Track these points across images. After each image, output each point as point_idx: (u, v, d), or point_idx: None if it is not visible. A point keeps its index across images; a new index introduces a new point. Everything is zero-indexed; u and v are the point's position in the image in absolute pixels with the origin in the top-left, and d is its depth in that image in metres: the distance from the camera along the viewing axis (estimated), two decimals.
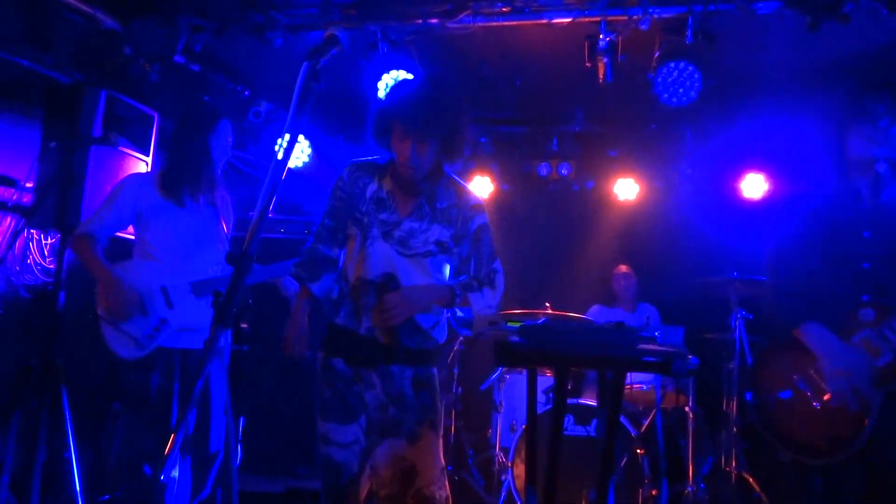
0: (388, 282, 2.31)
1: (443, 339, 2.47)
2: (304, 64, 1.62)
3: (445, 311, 2.48)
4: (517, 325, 1.76)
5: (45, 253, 4.04)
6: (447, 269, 2.48)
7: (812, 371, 2.45)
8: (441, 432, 2.43)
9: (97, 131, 3.70)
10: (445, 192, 2.43)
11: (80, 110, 3.69)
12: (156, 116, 4.14)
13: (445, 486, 2.39)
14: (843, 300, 2.45)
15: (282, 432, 3.85)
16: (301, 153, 5.20)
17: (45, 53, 3.85)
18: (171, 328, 3.04)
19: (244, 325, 1.32)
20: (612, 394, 1.73)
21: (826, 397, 2.40)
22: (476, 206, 2.45)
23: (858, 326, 2.40)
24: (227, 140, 3.29)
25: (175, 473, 2.98)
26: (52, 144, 3.61)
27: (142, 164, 4.02)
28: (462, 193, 2.46)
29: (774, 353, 2.62)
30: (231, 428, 1.22)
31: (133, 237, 3.24)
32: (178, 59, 4.26)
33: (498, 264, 2.48)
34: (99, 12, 3.96)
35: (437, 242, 2.39)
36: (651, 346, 1.66)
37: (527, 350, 1.66)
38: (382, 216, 2.39)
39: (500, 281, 2.48)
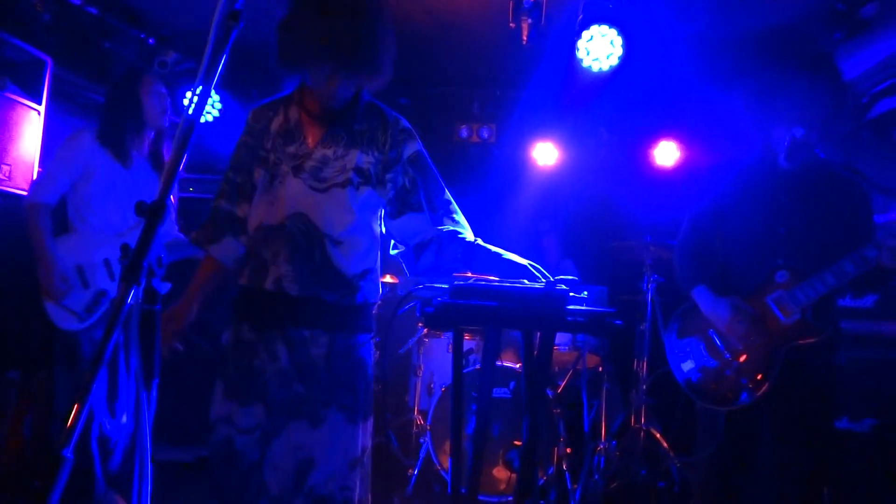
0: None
1: (375, 297, 2.12)
2: (222, 0, 1.48)
3: (377, 260, 2.14)
4: (445, 285, 1.72)
5: None
6: (367, 199, 2.08)
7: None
8: (363, 420, 2.04)
9: None
10: (365, 114, 2.11)
11: None
12: (48, 61, 3.81)
13: (356, 487, 2.00)
14: (760, 263, 2.58)
15: (192, 399, 3.70)
16: (211, 107, 4.94)
17: None
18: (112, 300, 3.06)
19: (157, 283, 1.20)
20: (541, 354, 1.72)
21: (741, 356, 2.55)
22: (406, 131, 2.14)
23: (773, 287, 2.52)
24: (159, 92, 3.25)
25: (124, 419, 3.05)
26: None
27: (33, 113, 3.70)
28: (386, 115, 2.13)
29: (695, 309, 2.75)
30: (142, 395, 1.11)
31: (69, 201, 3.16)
32: None
33: (448, 194, 2.14)
34: None
35: (357, 169, 2.04)
36: (580, 307, 1.65)
37: (456, 310, 1.62)
38: (290, 149, 2.05)
39: (458, 211, 2.14)
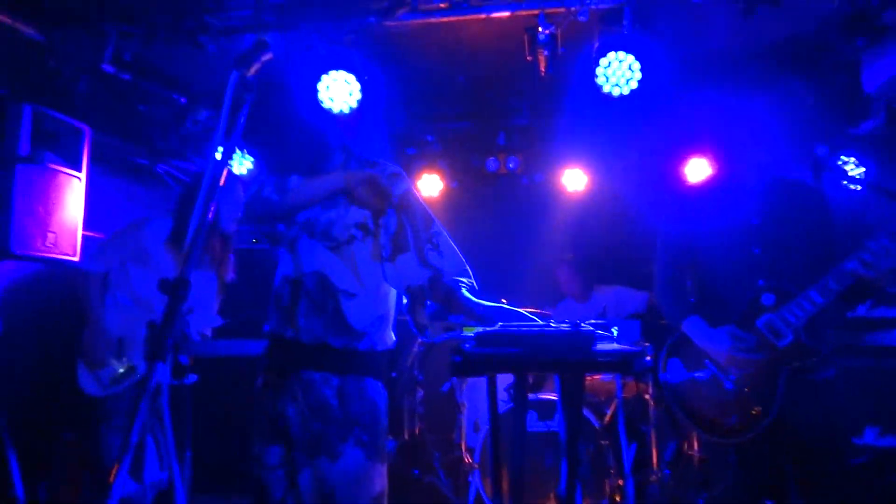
0: None
1: (384, 345, 2.24)
2: (233, 73, 1.54)
3: (388, 309, 2.25)
4: (472, 331, 1.72)
5: None
6: (372, 251, 2.21)
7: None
8: (380, 461, 2.15)
9: (24, 149, 3.52)
10: (358, 170, 2.28)
11: (3, 128, 3.51)
12: (86, 129, 3.96)
13: None
14: (742, 287, 2.52)
15: (230, 448, 3.75)
16: (241, 162, 5.09)
17: None
18: (140, 377, 3.08)
19: (183, 358, 1.24)
20: (570, 396, 1.70)
21: (743, 385, 2.48)
22: (394, 175, 2.27)
23: (761, 311, 2.47)
24: (238, 200, 3.29)
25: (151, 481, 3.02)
26: None
27: (74, 181, 3.85)
28: (374, 166, 2.29)
29: (685, 341, 2.65)
30: (175, 469, 1.15)
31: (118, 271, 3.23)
32: (107, 68, 4.08)
33: (438, 227, 2.22)
34: (20, 24, 3.77)
35: (359, 225, 2.22)
36: (608, 347, 1.63)
37: (483, 358, 1.62)
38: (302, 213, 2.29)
39: (444, 243, 2.20)
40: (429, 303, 2.08)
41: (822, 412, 2.40)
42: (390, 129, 5.69)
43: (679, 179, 5.43)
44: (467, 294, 2.04)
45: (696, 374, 2.56)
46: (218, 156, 1.48)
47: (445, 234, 2.23)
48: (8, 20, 3.69)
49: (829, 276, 2.34)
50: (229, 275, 3.36)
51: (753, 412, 2.42)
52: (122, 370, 3.06)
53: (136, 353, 3.10)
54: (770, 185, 2.61)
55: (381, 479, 2.15)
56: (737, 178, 2.66)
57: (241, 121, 1.52)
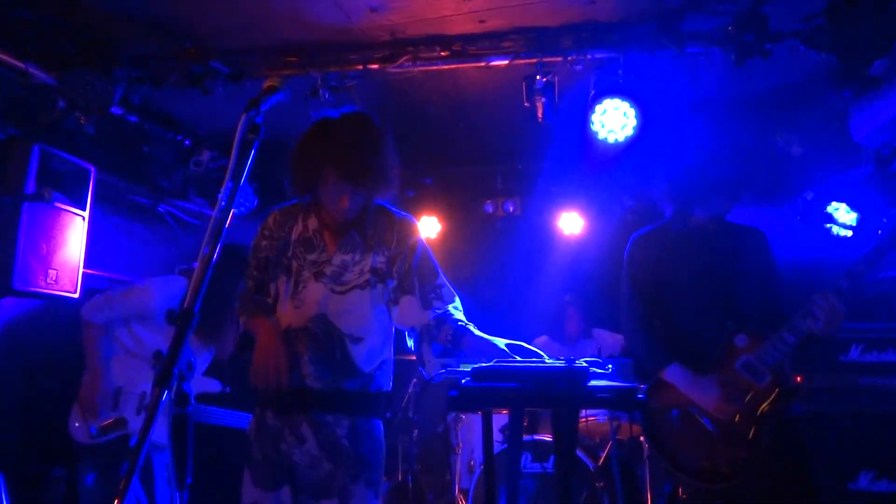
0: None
1: (388, 386, 2.28)
2: (243, 117, 1.61)
3: (392, 351, 2.31)
4: (468, 368, 1.76)
5: None
6: (380, 294, 2.25)
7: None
8: (379, 494, 2.17)
9: (31, 187, 3.60)
10: (374, 218, 2.30)
11: (12, 166, 3.59)
12: (92, 170, 4.05)
13: None
14: (712, 329, 2.55)
15: (228, 490, 3.73)
16: (246, 200, 5.16)
17: None
18: (130, 431, 3.07)
19: (187, 387, 1.27)
20: (564, 433, 1.73)
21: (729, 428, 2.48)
22: (409, 226, 2.32)
23: (737, 353, 2.50)
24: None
25: None
26: None
27: (78, 219, 3.91)
28: (393, 215, 2.34)
29: (664, 387, 2.64)
30: (175, 496, 1.17)
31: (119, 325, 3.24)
32: (115, 110, 4.18)
33: (443, 279, 2.28)
34: (32, 67, 3.87)
35: (374, 270, 2.23)
36: (602, 383, 1.67)
37: (480, 393, 1.66)
38: (311, 257, 2.25)
39: (448, 294, 2.26)
40: (434, 343, 2.12)
41: (806, 450, 2.43)
42: None
43: None
44: (476, 331, 2.09)
45: (679, 421, 2.55)
46: (224, 198, 1.53)
47: (449, 285, 2.30)
48: (21, 65, 3.80)
49: (796, 317, 2.40)
50: (229, 347, 3.32)
51: (739, 455, 2.42)
52: (110, 422, 3.03)
53: (130, 406, 3.10)
54: (720, 228, 2.68)
55: None
56: (693, 222, 2.70)
57: (249, 163, 1.59)
